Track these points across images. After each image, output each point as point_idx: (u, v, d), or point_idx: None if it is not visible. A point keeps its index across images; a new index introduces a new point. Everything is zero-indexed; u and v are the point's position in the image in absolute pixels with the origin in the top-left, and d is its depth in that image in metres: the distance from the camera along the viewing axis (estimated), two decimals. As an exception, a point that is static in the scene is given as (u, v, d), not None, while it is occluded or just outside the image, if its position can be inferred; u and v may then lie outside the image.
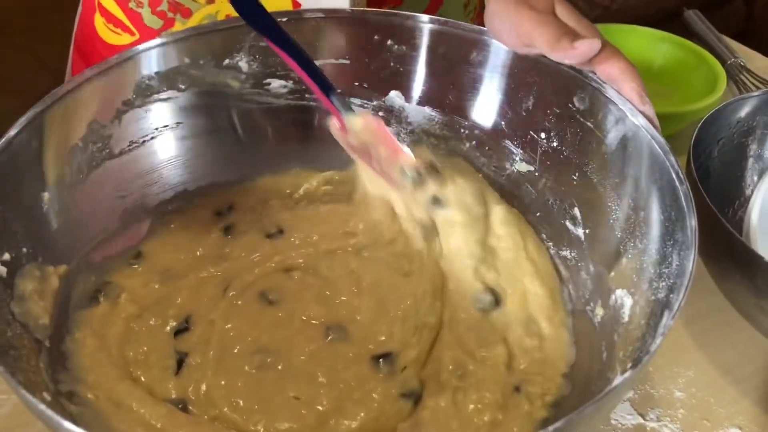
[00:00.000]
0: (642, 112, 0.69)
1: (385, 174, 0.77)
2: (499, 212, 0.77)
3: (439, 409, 0.64)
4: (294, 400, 0.65)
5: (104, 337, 0.69)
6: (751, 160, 0.89)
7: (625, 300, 0.67)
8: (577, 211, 0.77)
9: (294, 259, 0.77)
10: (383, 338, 0.70)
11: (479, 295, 0.73)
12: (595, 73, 0.72)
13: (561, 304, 0.74)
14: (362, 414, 0.64)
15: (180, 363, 0.68)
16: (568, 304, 0.74)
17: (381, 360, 0.68)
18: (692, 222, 0.59)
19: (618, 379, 0.55)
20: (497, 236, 0.78)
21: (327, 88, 0.74)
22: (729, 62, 1.19)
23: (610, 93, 0.72)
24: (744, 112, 0.88)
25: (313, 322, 0.71)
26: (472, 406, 0.64)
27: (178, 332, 0.70)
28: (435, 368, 0.68)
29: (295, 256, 0.77)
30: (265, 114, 0.87)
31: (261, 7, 0.71)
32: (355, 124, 0.75)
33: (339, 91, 0.74)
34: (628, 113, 0.70)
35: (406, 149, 0.75)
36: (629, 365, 0.58)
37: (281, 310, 0.72)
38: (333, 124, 0.77)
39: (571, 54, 0.68)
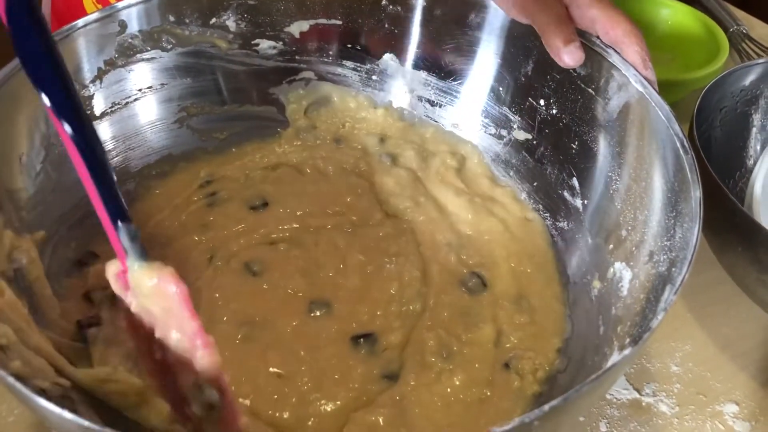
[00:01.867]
0: (644, 78, 0.66)
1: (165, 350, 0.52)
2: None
3: (421, 386, 0.63)
4: (276, 377, 0.63)
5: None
6: (754, 131, 0.86)
7: (623, 273, 0.64)
8: (575, 181, 0.74)
9: (279, 233, 0.75)
10: (365, 318, 0.68)
11: (464, 278, 0.72)
12: (599, 38, 0.69)
13: (555, 277, 0.72)
14: (342, 394, 0.62)
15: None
16: (563, 276, 0.72)
17: (362, 339, 0.66)
18: (697, 193, 0.57)
19: (617, 356, 0.53)
20: (470, 222, 0.76)
21: (116, 213, 0.50)
22: (731, 30, 1.16)
23: (613, 58, 0.69)
24: (748, 80, 0.85)
25: (299, 294, 0.69)
26: (457, 383, 0.63)
27: None
28: (417, 350, 0.66)
29: (280, 229, 0.75)
30: (253, 76, 0.83)
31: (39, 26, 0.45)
32: (142, 280, 0.50)
33: (132, 224, 0.50)
34: (632, 79, 0.67)
35: (208, 351, 0.49)
36: (628, 341, 0.56)
37: (265, 282, 0.70)
38: (110, 265, 0.52)
39: (558, 57, 0.67)
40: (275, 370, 0.63)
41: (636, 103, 0.67)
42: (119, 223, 0.50)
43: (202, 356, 0.49)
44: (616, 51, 0.68)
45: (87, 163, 0.48)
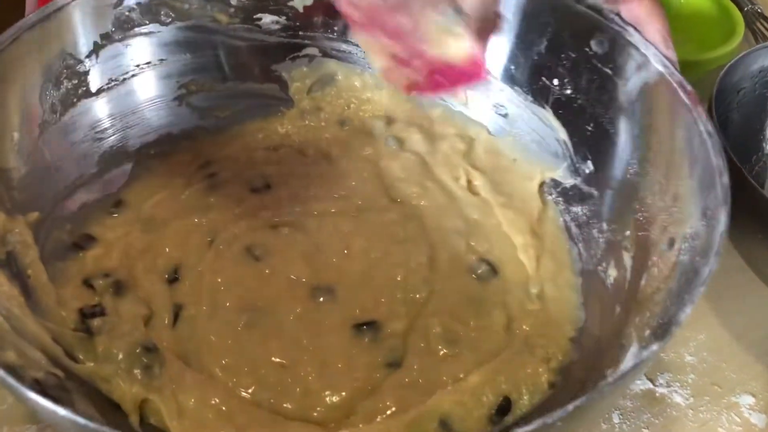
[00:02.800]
0: (666, 57, 0.63)
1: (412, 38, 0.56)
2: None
3: (426, 371, 0.61)
4: (280, 367, 0.61)
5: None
6: (772, 113, 0.84)
7: (638, 261, 0.62)
8: (590, 165, 0.72)
9: (282, 216, 0.72)
10: (369, 305, 0.66)
11: (474, 265, 0.69)
12: (618, 15, 0.66)
13: (568, 263, 0.70)
14: (346, 384, 0.60)
15: (176, 316, 0.64)
16: (577, 263, 0.70)
17: (365, 327, 0.64)
18: (724, 179, 0.54)
19: (638, 350, 0.51)
20: (481, 209, 0.74)
21: None
22: (746, 9, 1.13)
23: (632, 36, 0.66)
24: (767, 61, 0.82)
25: (302, 280, 0.67)
26: (464, 369, 0.61)
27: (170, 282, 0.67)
28: (422, 336, 0.64)
29: (282, 212, 0.72)
30: (255, 52, 0.80)
31: None
32: None
33: None
34: (652, 59, 0.64)
35: None
36: (648, 333, 0.53)
37: (267, 267, 0.68)
38: None
39: None
40: (278, 359, 0.61)
41: (656, 84, 0.64)
42: None
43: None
44: (636, 29, 0.65)
45: None
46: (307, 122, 0.81)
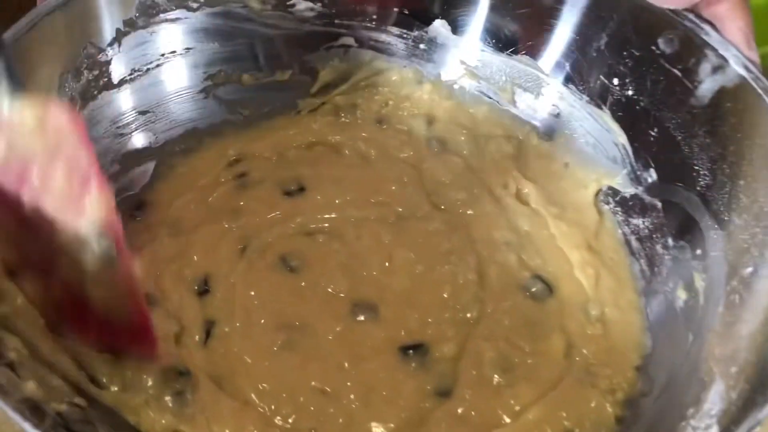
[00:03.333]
0: (748, 59, 0.58)
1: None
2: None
3: (479, 402, 0.56)
4: (321, 393, 0.56)
5: None
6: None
7: (712, 285, 0.57)
8: (653, 173, 0.66)
9: (318, 222, 0.67)
10: (415, 325, 0.60)
11: (527, 283, 0.64)
12: (691, 11, 0.60)
13: (629, 282, 0.64)
14: (393, 413, 0.56)
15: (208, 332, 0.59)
16: (639, 281, 0.64)
17: (411, 351, 0.59)
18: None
19: (723, 389, 0.46)
20: (532, 220, 0.69)
21: None
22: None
23: (709, 35, 0.60)
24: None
25: (341, 295, 0.62)
26: (521, 401, 0.56)
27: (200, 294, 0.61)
28: (474, 361, 0.59)
29: (318, 219, 0.67)
30: (287, 42, 0.74)
31: None
32: (22, 114, 0.44)
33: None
34: (732, 61, 0.58)
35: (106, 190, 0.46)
36: (735, 370, 0.48)
37: (304, 279, 0.63)
38: None
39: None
40: (318, 385, 0.56)
41: (735, 88, 0.59)
42: None
43: (96, 194, 0.44)
44: (713, 27, 0.59)
45: None
46: (342, 119, 0.75)
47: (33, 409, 0.43)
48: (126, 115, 0.67)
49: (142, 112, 0.69)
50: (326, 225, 0.67)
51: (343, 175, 0.70)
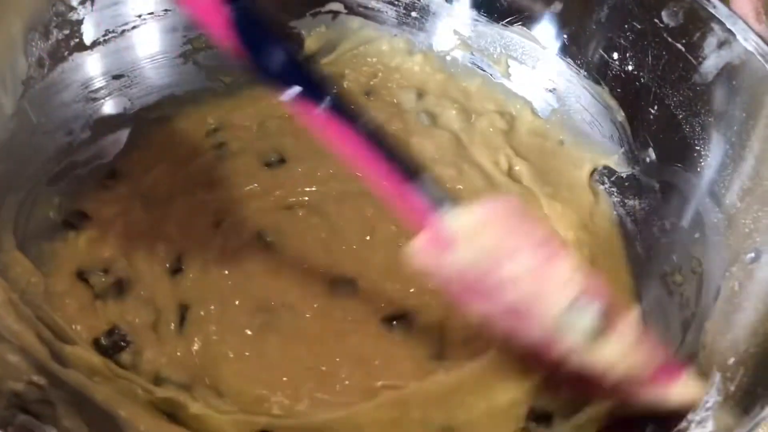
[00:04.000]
0: (756, 34, 0.55)
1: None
2: None
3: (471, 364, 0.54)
4: (315, 374, 0.54)
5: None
6: None
7: (712, 269, 0.54)
8: (651, 153, 0.63)
9: (298, 196, 0.64)
10: (397, 297, 0.58)
11: None
12: (699, -18, 0.57)
13: (623, 264, 0.62)
14: (396, 376, 0.54)
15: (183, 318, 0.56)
16: (634, 264, 0.62)
17: (395, 322, 0.57)
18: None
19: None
20: (524, 199, 0.66)
21: (406, 170, 0.45)
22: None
23: (716, 8, 0.57)
24: None
25: (320, 271, 0.59)
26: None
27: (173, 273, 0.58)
28: (460, 326, 0.56)
29: (298, 192, 0.64)
30: (272, 6, 0.70)
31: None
32: (463, 221, 0.45)
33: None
34: (739, 35, 0.55)
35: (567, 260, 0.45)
36: (733, 361, 0.46)
37: (281, 256, 0.60)
38: (415, 248, 0.46)
39: None
40: (311, 364, 0.54)
41: (742, 65, 0.56)
42: (421, 175, 0.45)
43: (565, 263, 0.44)
44: (722, 1, 0.56)
45: (357, 129, 0.44)
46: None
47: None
48: (99, 79, 0.64)
49: (116, 77, 0.65)
50: (306, 198, 0.64)
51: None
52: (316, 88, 0.44)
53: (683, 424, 0.43)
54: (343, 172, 0.65)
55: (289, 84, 0.44)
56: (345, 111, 0.44)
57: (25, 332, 0.49)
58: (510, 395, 0.52)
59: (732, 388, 0.43)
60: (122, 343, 0.54)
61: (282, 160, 0.66)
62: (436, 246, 0.45)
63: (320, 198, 0.64)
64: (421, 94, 0.72)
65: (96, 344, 0.53)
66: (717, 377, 0.46)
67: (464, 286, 0.46)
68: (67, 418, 0.45)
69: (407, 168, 0.45)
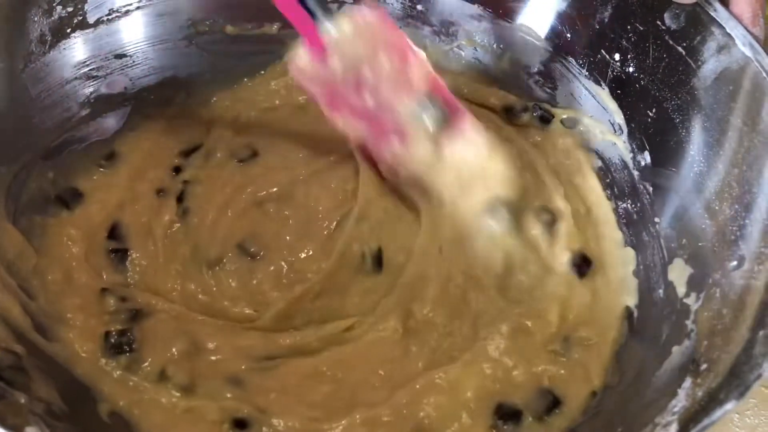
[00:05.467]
0: (750, 34, 0.54)
1: (383, 121, 0.56)
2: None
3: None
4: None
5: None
6: None
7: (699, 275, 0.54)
8: (647, 156, 0.63)
9: (268, 188, 0.63)
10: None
11: None
12: (701, -14, 0.56)
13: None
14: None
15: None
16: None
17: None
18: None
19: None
20: None
21: None
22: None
23: (717, 12, 0.56)
24: None
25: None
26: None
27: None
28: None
29: (267, 183, 0.64)
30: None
31: None
32: (341, 30, 0.53)
33: None
34: (738, 40, 0.55)
35: (422, 55, 0.55)
36: (704, 367, 0.45)
37: (268, 262, 0.60)
38: (294, 56, 0.56)
39: None
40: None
41: (740, 70, 0.55)
42: None
43: (416, 63, 0.52)
44: (722, 3, 0.56)
45: None
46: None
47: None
48: (100, 58, 0.64)
49: (119, 56, 0.66)
50: (276, 190, 0.64)
51: (302, 132, 0.67)
52: None
53: (649, 426, 0.43)
54: (316, 156, 0.65)
55: None
56: None
57: (7, 301, 0.50)
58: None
59: (699, 394, 0.43)
60: (126, 348, 0.53)
61: (254, 154, 0.66)
62: (313, 53, 0.54)
63: (289, 186, 0.64)
64: None
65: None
66: (689, 383, 0.46)
67: (334, 93, 0.54)
68: (41, 387, 0.46)
69: None
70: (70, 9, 0.61)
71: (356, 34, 0.53)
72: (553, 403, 0.52)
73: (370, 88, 0.54)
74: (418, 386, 0.53)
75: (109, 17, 0.64)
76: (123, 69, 0.66)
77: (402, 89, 0.53)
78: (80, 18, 0.62)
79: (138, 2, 0.65)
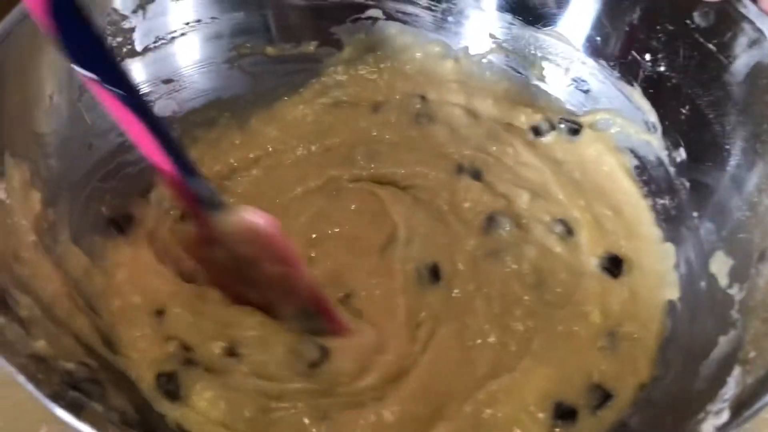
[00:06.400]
0: None
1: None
2: None
3: None
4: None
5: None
6: None
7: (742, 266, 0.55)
8: (682, 152, 0.64)
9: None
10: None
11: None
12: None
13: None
14: None
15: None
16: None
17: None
18: None
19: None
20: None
21: (186, 168, 0.52)
22: None
23: (746, 8, 0.57)
24: None
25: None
26: None
27: None
28: None
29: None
30: (313, 13, 0.73)
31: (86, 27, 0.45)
32: (227, 228, 0.53)
33: (201, 177, 0.54)
34: (769, 34, 0.56)
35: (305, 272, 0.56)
36: (753, 355, 0.46)
37: None
38: (182, 230, 0.59)
39: None
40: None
41: (772, 64, 0.56)
42: (191, 177, 0.51)
43: (299, 281, 0.54)
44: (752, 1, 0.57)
45: (148, 122, 0.48)
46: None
47: (40, 365, 0.43)
48: (149, 84, 0.67)
49: (166, 81, 0.69)
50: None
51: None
52: (114, 76, 0.47)
53: (701, 414, 0.44)
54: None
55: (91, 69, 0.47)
56: (136, 104, 0.48)
57: (78, 318, 0.52)
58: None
59: (749, 381, 0.44)
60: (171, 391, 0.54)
61: None
62: (202, 238, 0.55)
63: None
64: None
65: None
66: (738, 371, 0.47)
67: (216, 270, 0.57)
68: (115, 398, 0.49)
69: (185, 165, 0.51)
70: (120, 39, 0.64)
71: (245, 236, 0.53)
72: (604, 397, 0.53)
73: (250, 284, 0.56)
74: (481, 397, 0.54)
75: (156, 44, 0.67)
76: (170, 93, 0.69)
77: (283, 297, 0.55)
78: (129, 47, 0.65)
79: (182, 30, 0.68)
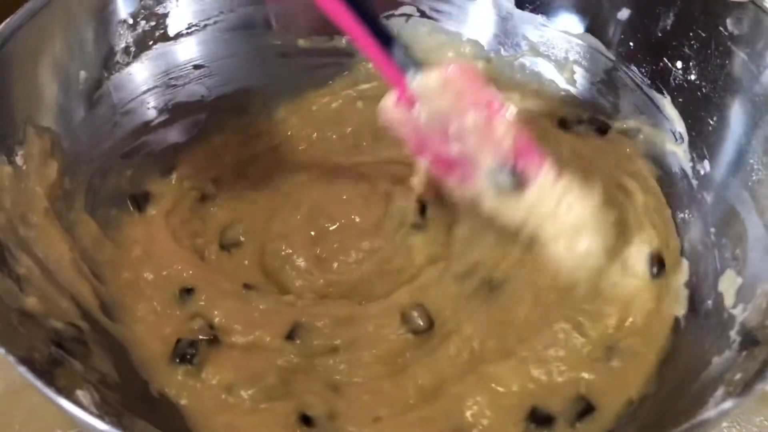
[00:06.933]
0: None
1: (467, 169, 0.58)
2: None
3: None
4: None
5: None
6: None
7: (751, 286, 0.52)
8: (707, 165, 0.61)
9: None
10: None
11: None
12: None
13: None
14: None
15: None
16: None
17: None
18: None
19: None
20: None
21: (385, 37, 0.55)
22: None
23: (781, 16, 0.54)
24: None
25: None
26: None
27: None
28: None
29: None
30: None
31: None
32: (428, 82, 0.56)
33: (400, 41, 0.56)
34: (801, 45, 0.53)
35: (510, 111, 0.56)
36: (739, 376, 0.44)
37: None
38: (384, 105, 0.59)
39: None
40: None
41: (802, 75, 0.53)
42: (393, 43, 0.55)
43: (503, 118, 0.55)
44: (783, 10, 0.54)
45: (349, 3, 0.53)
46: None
47: (25, 320, 0.46)
48: (180, 68, 0.70)
49: (197, 66, 0.71)
50: None
51: None
52: None
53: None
54: None
55: None
56: None
57: (78, 282, 0.55)
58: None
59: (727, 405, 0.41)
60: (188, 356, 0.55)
61: None
62: (402, 103, 0.57)
63: None
64: None
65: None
66: (720, 391, 0.44)
67: (420, 138, 0.58)
68: (99, 360, 0.51)
69: (382, 36, 0.55)
70: (152, 23, 0.67)
71: (443, 88, 0.56)
72: (585, 409, 0.51)
73: (454, 139, 0.57)
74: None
75: (189, 30, 0.69)
76: (200, 78, 0.71)
77: (485, 146, 0.56)
78: (162, 31, 0.68)
79: (216, 17, 0.70)
